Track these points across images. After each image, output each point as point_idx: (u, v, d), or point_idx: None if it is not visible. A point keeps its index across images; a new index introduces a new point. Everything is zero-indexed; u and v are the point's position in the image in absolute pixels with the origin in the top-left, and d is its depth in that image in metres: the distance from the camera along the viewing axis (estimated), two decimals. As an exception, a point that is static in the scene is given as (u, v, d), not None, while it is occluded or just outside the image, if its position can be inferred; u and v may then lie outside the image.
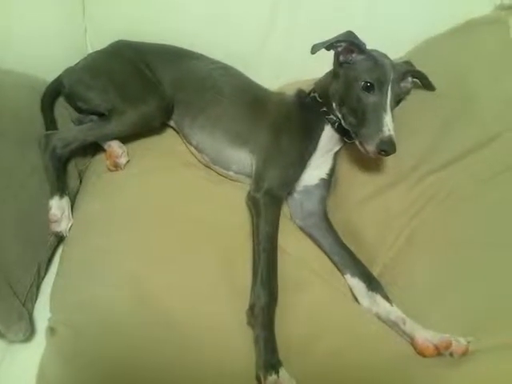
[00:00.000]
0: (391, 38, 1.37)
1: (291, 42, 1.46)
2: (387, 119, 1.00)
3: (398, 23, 1.40)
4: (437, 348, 0.86)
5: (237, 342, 0.85)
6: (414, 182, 1.11)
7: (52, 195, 1.09)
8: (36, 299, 1.00)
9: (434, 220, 1.05)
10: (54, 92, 1.30)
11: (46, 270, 1.05)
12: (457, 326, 0.89)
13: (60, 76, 1.33)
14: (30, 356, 0.87)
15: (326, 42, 1.06)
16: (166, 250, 0.97)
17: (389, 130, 0.98)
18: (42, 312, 0.95)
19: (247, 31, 1.46)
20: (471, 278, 0.94)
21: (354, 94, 1.05)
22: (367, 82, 1.03)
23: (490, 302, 0.90)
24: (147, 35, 1.41)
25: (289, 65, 1.50)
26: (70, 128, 1.26)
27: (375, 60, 1.06)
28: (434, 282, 0.96)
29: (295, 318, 0.92)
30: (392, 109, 1.04)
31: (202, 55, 1.40)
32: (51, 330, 0.85)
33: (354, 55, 1.08)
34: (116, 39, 1.40)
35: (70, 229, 1.08)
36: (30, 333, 0.92)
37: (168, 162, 1.22)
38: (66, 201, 1.11)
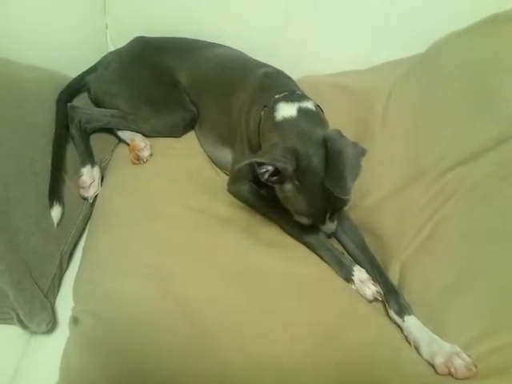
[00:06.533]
0: (410, 32, 1.38)
1: (307, 35, 1.46)
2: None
3: (417, 17, 1.38)
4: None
5: (258, 330, 0.85)
6: (433, 178, 1.10)
7: (84, 164, 1.15)
8: (58, 291, 1.01)
9: (454, 217, 1.04)
10: (75, 90, 1.31)
11: (68, 262, 1.06)
12: (474, 325, 0.87)
13: (86, 82, 1.33)
14: (52, 346, 0.88)
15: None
16: (188, 241, 0.97)
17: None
18: (65, 303, 0.96)
19: (264, 25, 1.46)
20: (491, 275, 0.92)
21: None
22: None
23: (510, 299, 0.88)
24: (167, 31, 1.42)
25: (304, 58, 1.50)
26: (96, 108, 1.29)
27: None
28: (452, 279, 0.95)
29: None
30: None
31: (219, 46, 1.40)
32: (75, 320, 0.85)
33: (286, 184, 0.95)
34: (136, 36, 1.40)
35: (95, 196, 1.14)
36: (52, 324, 0.94)
37: (190, 159, 1.24)
38: (96, 170, 1.17)
